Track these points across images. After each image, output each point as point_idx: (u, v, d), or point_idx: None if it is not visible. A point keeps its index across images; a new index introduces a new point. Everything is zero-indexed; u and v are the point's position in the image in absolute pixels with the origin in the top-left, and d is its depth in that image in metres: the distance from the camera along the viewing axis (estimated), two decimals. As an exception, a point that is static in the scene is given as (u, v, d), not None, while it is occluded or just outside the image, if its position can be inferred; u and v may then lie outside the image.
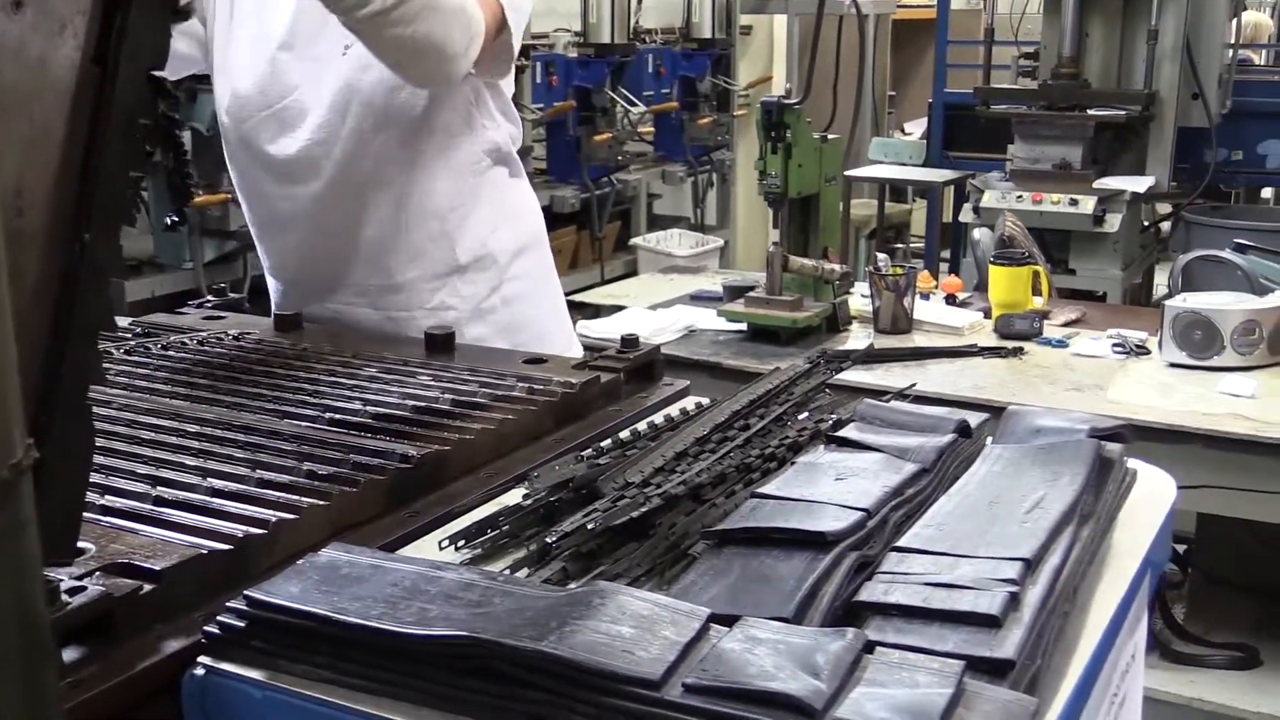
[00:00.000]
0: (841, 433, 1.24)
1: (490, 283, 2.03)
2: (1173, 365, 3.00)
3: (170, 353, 1.64)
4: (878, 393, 1.46)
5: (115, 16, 0.92)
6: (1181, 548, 3.57)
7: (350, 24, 1.68)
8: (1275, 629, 3.18)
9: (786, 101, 3.17)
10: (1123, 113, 5.09)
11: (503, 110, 2.03)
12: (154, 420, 1.37)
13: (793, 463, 1.20)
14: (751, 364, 3.00)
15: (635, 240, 6.31)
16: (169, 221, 1.34)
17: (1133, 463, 1.31)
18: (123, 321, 1.81)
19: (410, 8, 1.65)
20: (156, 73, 0.93)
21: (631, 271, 5.96)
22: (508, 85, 2.05)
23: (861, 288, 3.47)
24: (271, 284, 2.11)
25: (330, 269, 1.99)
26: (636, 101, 6.25)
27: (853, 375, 2.89)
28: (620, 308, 3.62)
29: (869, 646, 0.86)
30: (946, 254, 6.32)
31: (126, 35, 0.92)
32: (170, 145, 1.23)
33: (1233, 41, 5.58)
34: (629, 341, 1.64)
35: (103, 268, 0.92)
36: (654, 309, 3.58)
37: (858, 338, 3.27)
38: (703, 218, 7.36)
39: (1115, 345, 3.16)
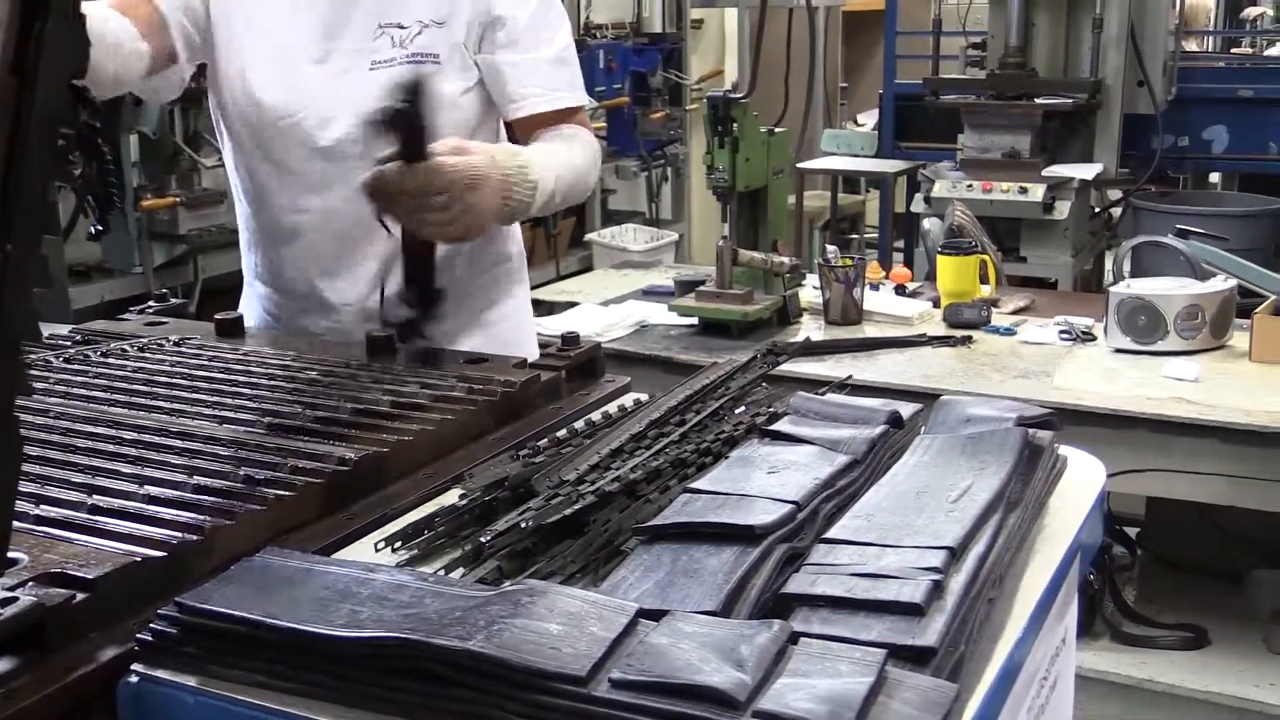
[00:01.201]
0: (775, 426, 1.26)
1: (479, 312, 2.06)
2: (1118, 350, 3.04)
3: (110, 360, 1.63)
4: (820, 384, 1.47)
5: (34, 26, 0.92)
6: (1132, 531, 3.62)
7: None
8: (1223, 609, 3.23)
9: (732, 96, 3.19)
10: (1070, 101, 5.13)
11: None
12: (91, 428, 1.37)
13: (727, 457, 1.21)
14: (702, 358, 3.01)
15: (590, 236, 6.31)
16: (94, 230, 1.33)
17: (1064, 449, 1.33)
18: (63, 329, 1.80)
19: (566, 201, 1.93)
20: (76, 81, 0.93)
21: (587, 267, 5.96)
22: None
23: (814, 279, 3.50)
24: (259, 294, 2.07)
25: (333, 285, 1.97)
26: (588, 97, 6.25)
27: (803, 367, 2.92)
28: (573, 304, 3.63)
29: (794, 638, 0.88)
30: (901, 244, 6.36)
31: (45, 45, 0.92)
32: (93, 154, 1.23)
33: (1174, 28, 5.64)
34: (569, 339, 1.65)
35: (25, 279, 0.92)
36: (606, 305, 3.59)
37: (809, 330, 3.30)
38: (657, 212, 7.37)
39: (1062, 332, 3.20)
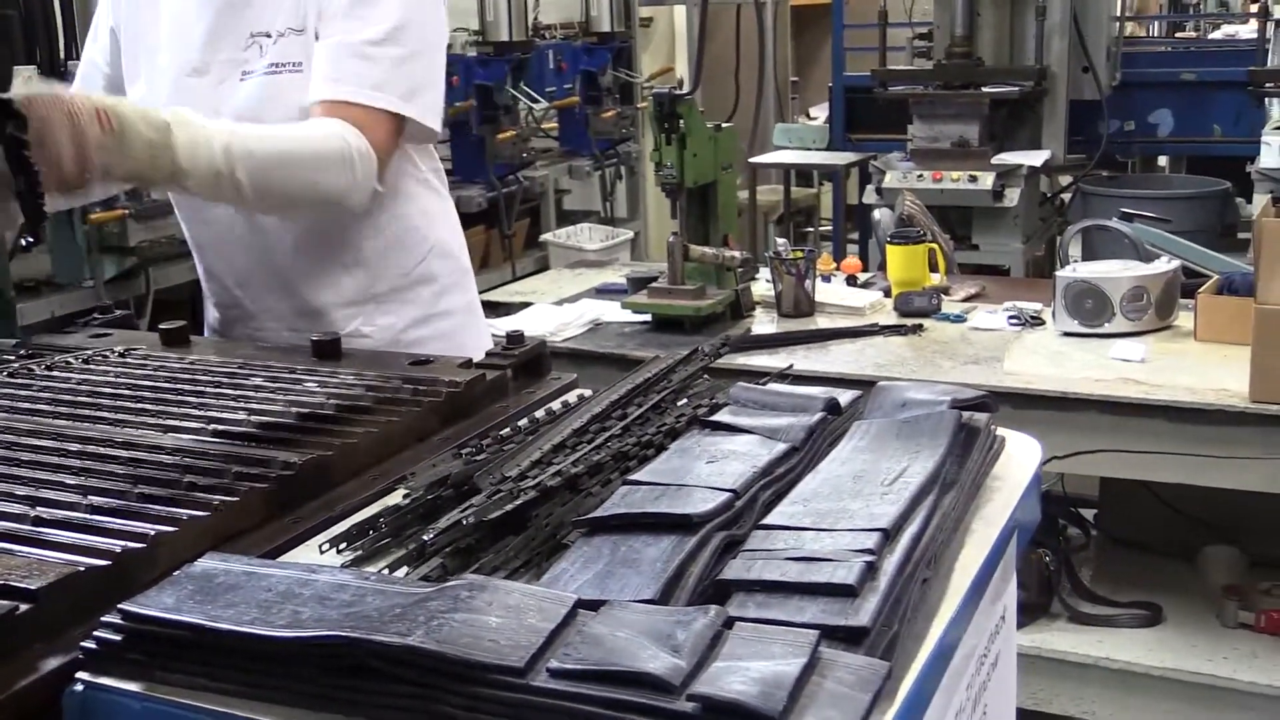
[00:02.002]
0: (715, 417, 1.27)
1: (412, 315, 2.05)
2: (1066, 334, 3.08)
3: (54, 373, 1.63)
4: (759, 375, 1.49)
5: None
6: (1089, 513, 3.66)
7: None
8: (1177, 586, 3.28)
9: (677, 93, 3.20)
10: (1016, 89, 5.19)
11: (414, 137, 2.02)
12: (35, 441, 1.37)
13: (668, 449, 1.22)
14: (656, 354, 3.03)
15: (545, 236, 6.31)
16: (24, 243, 1.33)
17: (1002, 430, 1.35)
18: (8, 343, 1.79)
19: (266, 189, 1.73)
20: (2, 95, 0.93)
21: (544, 268, 5.96)
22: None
23: (767, 273, 3.52)
24: (208, 309, 2.13)
25: (249, 293, 2.02)
26: (539, 98, 6.25)
27: (756, 360, 2.94)
28: (528, 304, 3.63)
29: (729, 622, 0.89)
30: (856, 235, 6.40)
31: (-32, 59, 0.92)
32: (19, 167, 1.22)
33: (1119, 15, 5.71)
34: (515, 338, 1.66)
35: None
36: (560, 304, 3.60)
37: (761, 323, 3.32)
38: (612, 211, 7.37)
39: (1011, 318, 3.23)
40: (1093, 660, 3.04)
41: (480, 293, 2.28)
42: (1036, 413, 2.72)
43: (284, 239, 1.96)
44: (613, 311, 3.43)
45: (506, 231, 5.99)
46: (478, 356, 2.00)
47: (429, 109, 1.95)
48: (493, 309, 3.62)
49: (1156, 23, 8.60)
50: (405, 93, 1.88)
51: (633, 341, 3.22)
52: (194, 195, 1.75)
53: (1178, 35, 8.46)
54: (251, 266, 2.00)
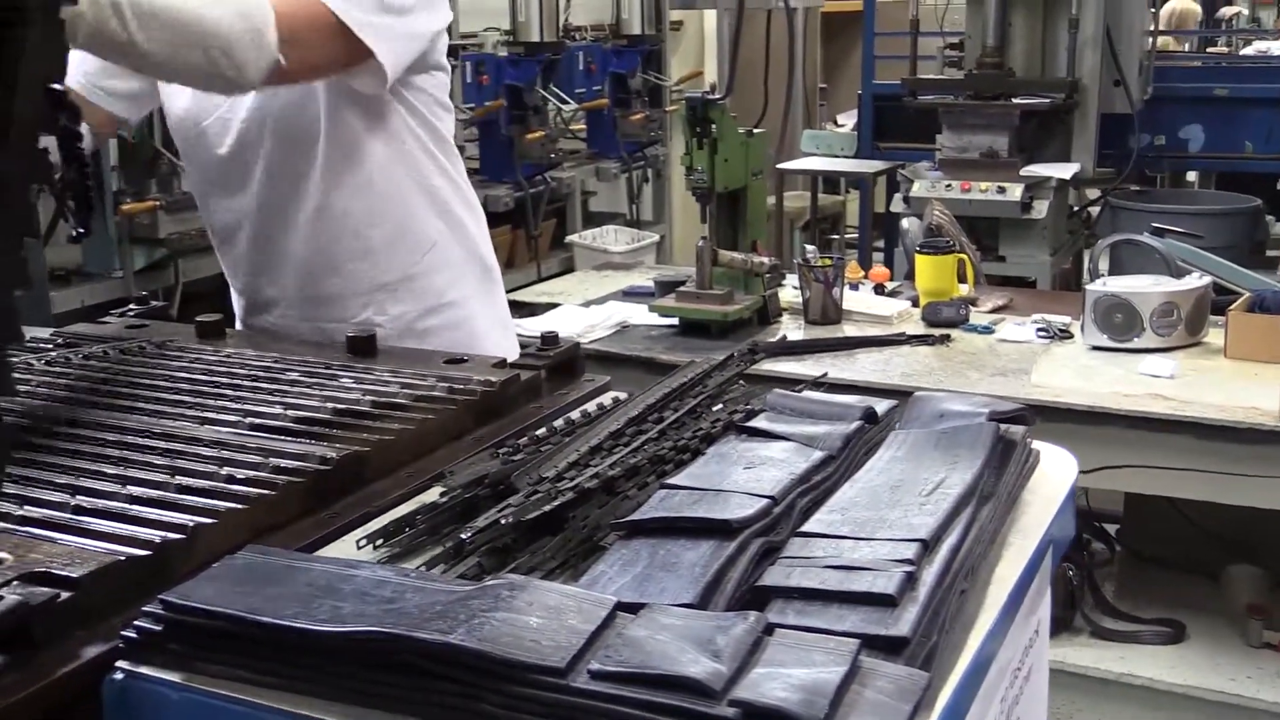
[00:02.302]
0: (752, 423, 1.27)
1: (424, 304, 2.06)
2: (1095, 348, 3.06)
3: (91, 362, 1.64)
4: (799, 383, 1.49)
5: (13, 31, 0.93)
6: (1112, 528, 3.64)
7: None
8: (1201, 604, 3.26)
9: (710, 97, 3.21)
10: (1047, 100, 5.17)
11: (425, 124, 2.04)
12: (73, 430, 1.38)
13: (704, 454, 1.23)
14: (683, 358, 2.97)
15: (571, 238, 6.32)
16: (75, 234, 1.33)
17: (1037, 443, 1.34)
18: (44, 333, 1.81)
19: (151, 13, 1.55)
20: (55, 85, 0.94)
21: (568, 269, 5.97)
22: (436, 93, 2.07)
23: (794, 279, 3.52)
24: (233, 297, 2.18)
25: (264, 281, 2.06)
26: (568, 99, 6.27)
27: (783, 366, 2.94)
28: (555, 305, 3.64)
29: (769, 629, 0.89)
30: (881, 244, 6.39)
31: (25, 50, 0.93)
32: (71, 157, 1.24)
33: (1153, 29, 5.69)
34: (549, 339, 1.66)
35: (6, 281, 0.93)
36: (587, 306, 3.60)
37: (789, 329, 3.31)
38: (638, 213, 7.39)
39: (1039, 330, 3.22)
40: (1114, 676, 3.02)
41: (506, 292, 2.28)
42: (1063, 426, 2.71)
43: (290, 227, 2.00)
44: (640, 314, 3.43)
45: (533, 232, 6.01)
46: (495, 346, 2.02)
47: (375, 31, 1.80)
48: (519, 309, 3.62)
49: (1188, 38, 8.56)
50: (352, 2, 1.77)
51: (659, 345, 3.22)
52: (74, 23, 1.47)
53: (1209, 50, 8.43)
54: (264, 254, 2.04)
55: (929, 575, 0.96)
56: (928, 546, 1.00)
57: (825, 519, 1.07)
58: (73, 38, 1.48)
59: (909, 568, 0.96)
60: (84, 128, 1.34)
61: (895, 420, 1.33)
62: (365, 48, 1.81)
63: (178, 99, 2.01)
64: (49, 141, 1.07)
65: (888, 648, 0.89)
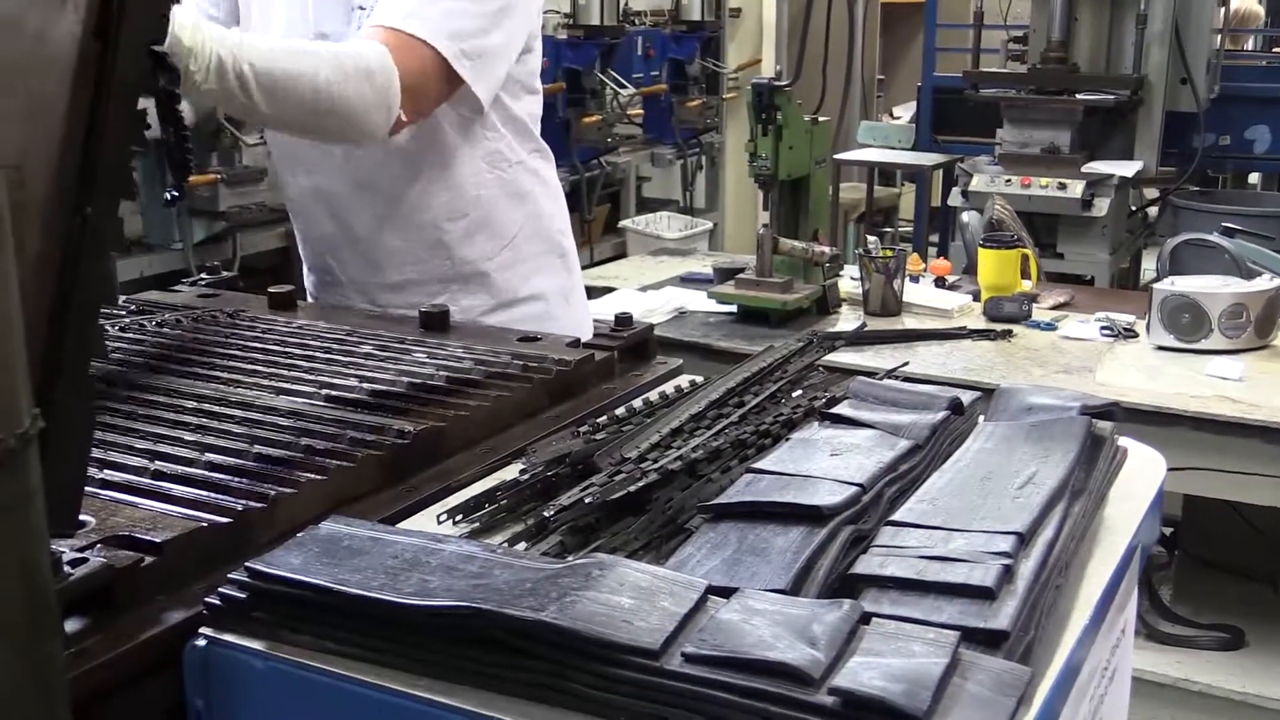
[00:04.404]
0: (836, 409, 1.25)
1: (498, 298, 2.05)
2: (1160, 348, 3.01)
3: (165, 330, 1.64)
4: (869, 373, 1.47)
5: (113, -10, 0.92)
6: (1169, 530, 3.59)
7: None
8: (1261, 610, 3.21)
9: (777, 83, 3.17)
10: (1111, 97, 5.09)
11: (509, 118, 2.02)
12: (150, 396, 1.38)
13: (787, 439, 1.21)
14: (741, 345, 3.01)
15: (624, 223, 6.31)
16: (169, 196, 1.33)
17: (1123, 441, 1.32)
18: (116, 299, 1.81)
19: (272, 87, 1.61)
20: (156, 47, 0.93)
21: (620, 254, 5.96)
22: (526, 80, 2.05)
23: (851, 270, 3.49)
24: (306, 273, 2.18)
25: (336, 261, 2.05)
26: (625, 84, 6.25)
27: (843, 357, 2.90)
28: (611, 289, 3.62)
29: (865, 618, 0.87)
30: (935, 237, 6.34)
31: (127, 9, 0.92)
32: (171, 120, 1.23)
33: (1221, 27, 5.60)
34: (623, 320, 1.65)
35: (104, 242, 0.92)
36: (644, 290, 3.59)
37: (847, 320, 3.28)
38: (692, 200, 7.36)
39: (1103, 328, 3.18)
40: (1170, 681, 2.98)
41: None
42: (1127, 426, 2.65)
43: (365, 213, 1.98)
44: (697, 300, 3.41)
45: (587, 216, 6.00)
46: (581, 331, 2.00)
47: (474, 63, 1.83)
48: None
49: (1253, 37, 8.42)
50: (452, 34, 1.79)
51: (718, 332, 3.20)
52: (201, 92, 1.52)
53: (1275, 50, 8.29)
54: (337, 236, 2.03)
55: (1026, 569, 0.94)
56: (1024, 539, 0.98)
57: (915, 509, 1.05)
58: (205, 104, 1.54)
59: (1007, 560, 0.94)
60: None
61: (979, 412, 1.31)
62: (465, 82, 1.84)
63: None
64: (147, 103, 1.06)
65: (986, 641, 0.87)
